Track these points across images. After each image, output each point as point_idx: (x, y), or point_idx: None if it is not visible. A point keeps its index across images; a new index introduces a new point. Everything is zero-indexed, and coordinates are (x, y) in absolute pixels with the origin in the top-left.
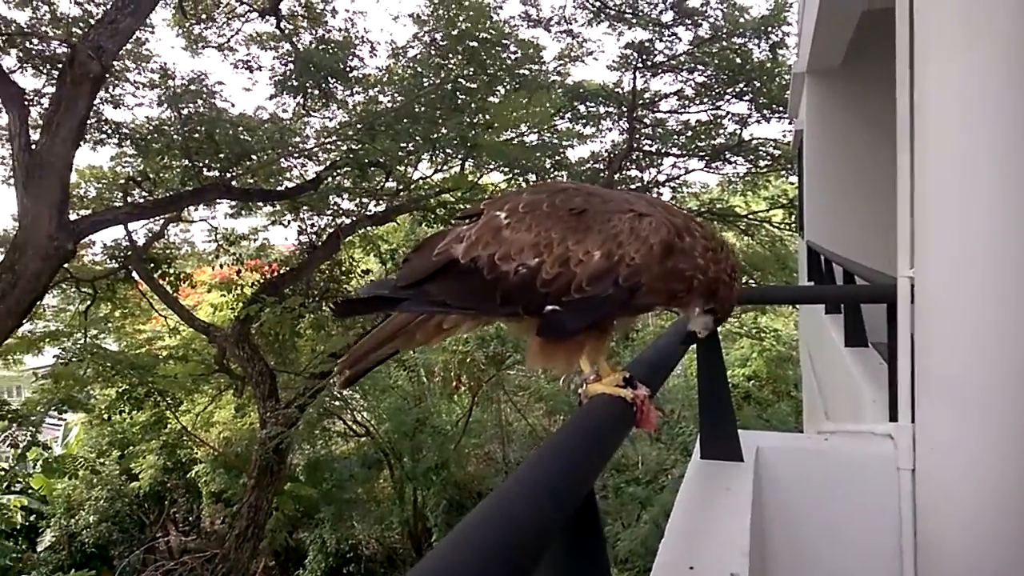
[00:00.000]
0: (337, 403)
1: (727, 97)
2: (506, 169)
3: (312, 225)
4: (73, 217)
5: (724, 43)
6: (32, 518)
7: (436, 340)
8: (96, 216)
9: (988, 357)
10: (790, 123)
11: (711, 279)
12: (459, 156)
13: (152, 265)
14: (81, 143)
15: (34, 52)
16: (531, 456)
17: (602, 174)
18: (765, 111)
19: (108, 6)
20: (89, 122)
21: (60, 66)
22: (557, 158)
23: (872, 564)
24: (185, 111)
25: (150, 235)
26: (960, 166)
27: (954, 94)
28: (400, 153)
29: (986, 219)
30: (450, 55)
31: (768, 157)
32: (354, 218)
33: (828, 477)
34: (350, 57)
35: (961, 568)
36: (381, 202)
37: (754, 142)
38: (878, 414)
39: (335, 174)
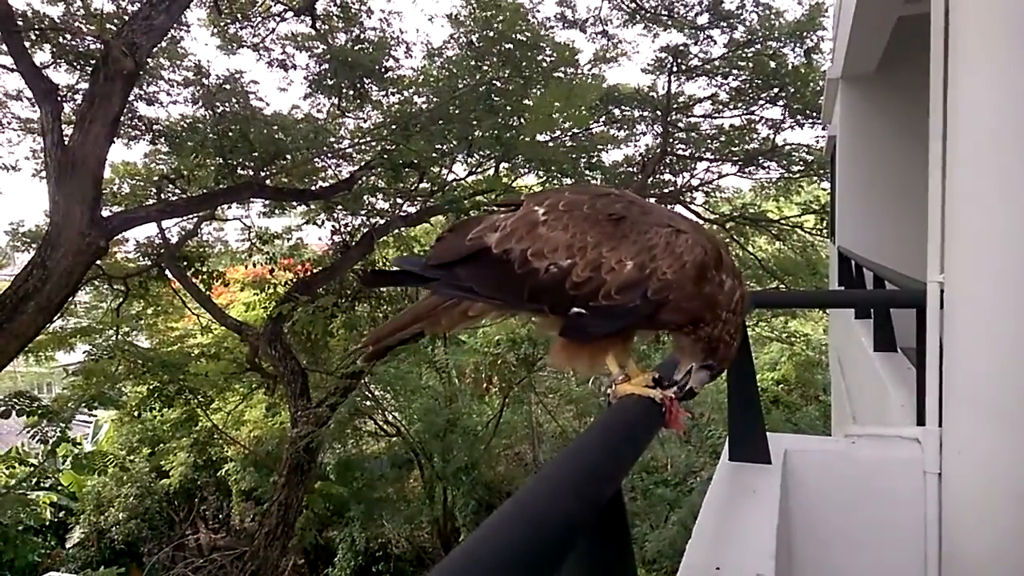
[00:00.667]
0: (368, 403)
1: (761, 102)
2: (541, 172)
3: (346, 225)
4: (106, 214)
5: (759, 47)
6: (61, 514)
7: (460, 327)
8: (129, 213)
9: (1016, 362)
10: (823, 129)
11: (717, 335)
12: (494, 158)
13: (185, 263)
14: (114, 140)
15: (67, 47)
16: (558, 455)
17: (636, 178)
18: (799, 116)
19: (143, 2)
20: (123, 119)
21: (94, 62)
22: (592, 160)
23: (897, 567)
24: (219, 109)
25: (183, 233)
26: (992, 172)
27: (988, 99)
28: (435, 154)
29: (1018, 225)
30: (486, 56)
31: (801, 163)
32: (388, 219)
33: (855, 480)
34: (385, 57)
35: (985, 573)
36: (415, 203)
37: (787, 147)
38: (906, 418)
39: (369, 174)
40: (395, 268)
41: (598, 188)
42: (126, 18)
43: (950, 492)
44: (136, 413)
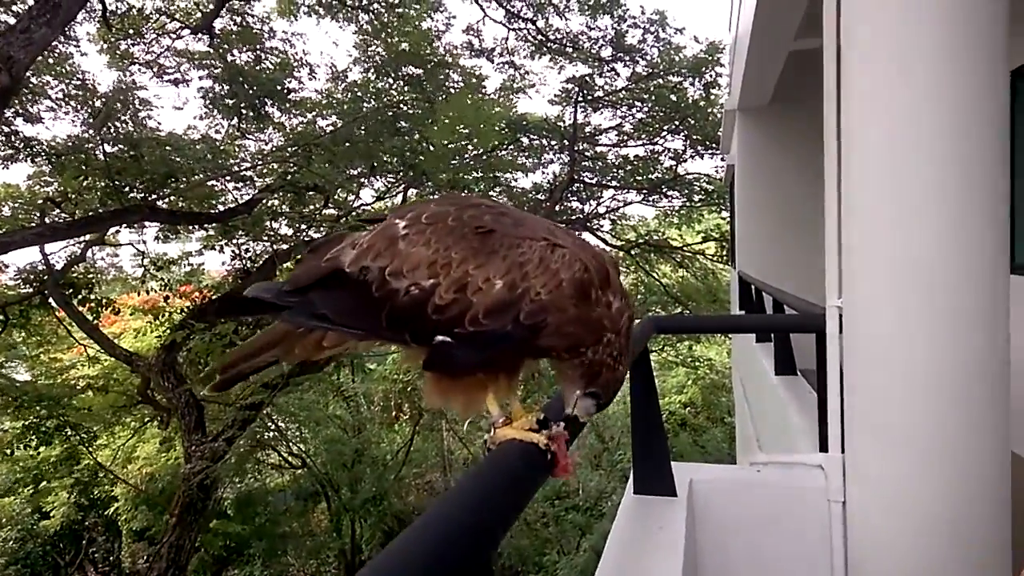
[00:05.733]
0: (271, 434)
1: (663, 133)
2: None
3: (247, 251)
4: None
5: (661, 80)
6: None
7: (317, 356)
8: (3, 237)
9: (914, 387)
10: (722, 159)
11: (598, 360)
12: (402, 184)
13: (71, 290)
14: None
15: None
16: (420, 517)
17: (544, 204)
18: (699, 147)
19: (21, 15)
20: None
21: None
22: (499, 185)
23: None
24: (107, 128)
25: (71, 258)
26: (885, 197)
27: (879, 126)
28: (340, 179)
29: (911, 249)
30: (391, 78)
31: (702, 192)
32: (292, 244)
33: (761, 510)
34: (288, 79)
35: None
36: (320, 229)
37: (689, 177)
38: (808, 444)
39: (271, 198)
40: (249, 296)
41: (468, 198)
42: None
43: (854, 520)
44: (7, 451)
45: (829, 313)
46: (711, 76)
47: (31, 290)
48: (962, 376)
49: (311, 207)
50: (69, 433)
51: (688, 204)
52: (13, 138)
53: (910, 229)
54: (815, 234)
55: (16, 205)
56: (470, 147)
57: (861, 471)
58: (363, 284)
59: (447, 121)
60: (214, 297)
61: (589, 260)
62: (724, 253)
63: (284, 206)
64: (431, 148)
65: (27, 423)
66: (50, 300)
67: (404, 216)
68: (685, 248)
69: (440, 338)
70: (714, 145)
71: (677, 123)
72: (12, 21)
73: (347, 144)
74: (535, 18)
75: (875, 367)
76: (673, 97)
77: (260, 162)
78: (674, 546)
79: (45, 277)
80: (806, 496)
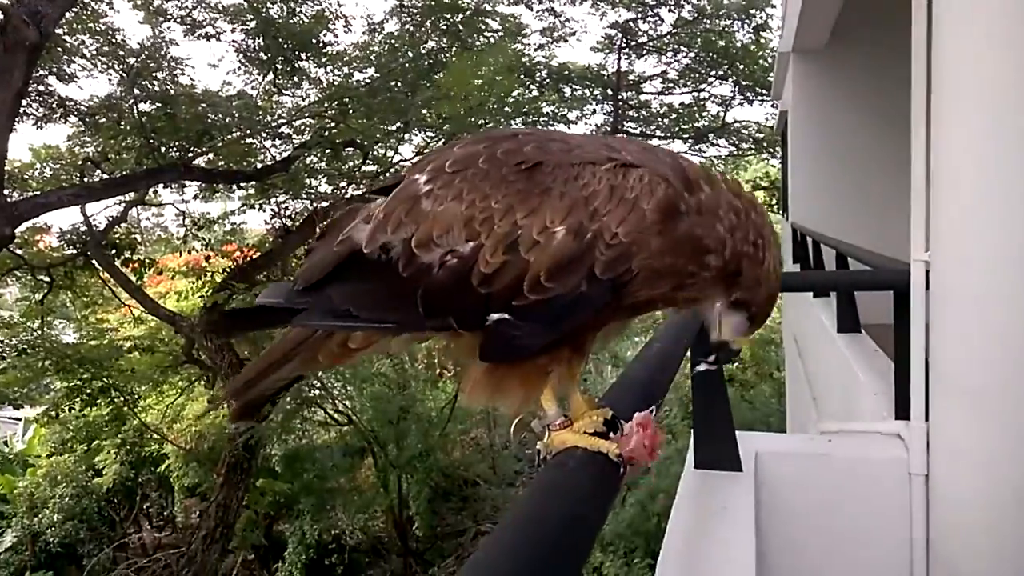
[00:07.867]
0: (317, 392)
1: (710, 79)
2: None
3: (286, 208)
4: (18, 198)
5: (708, 24)
6: None
7: (347, 361)
8: (38, 198)
9: (1011, 350)
10: (773, 105)
11: (733, 253)
12: (441, 139)
13: (114, 251)
14: (18, 118)
15: None
16: (469, 562)
17: None
18: (748, 93)
19: None
20: (35, 97)
21: None
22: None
23: None
24: (140, 84)
25: (112, 220)
26: (986, 139)
27: (982, 58)
28: (378, 134)
29: (1015, 195)
30: (427, 26)
31: (750, 139)
32: (331, 201)
33: (833, 484)
34: (323, 31)
35: None
36: (360, 186)
37: (736, 124)
38: (880, 408)
39: (307, 154)
40: (261, 305)
41: (500, 132)
42: None
43: (938, 496)
44: (53, 413)
45: (915, 268)
46: (762, 18)
47: (74, 251)
48: None
49: (350, 164)
50: (113, 395)
51: (736, 152)
52: (48, 98)
53: (1013, 174)
54: (879, 182)
55: (57, 166)
56: (508, 99)
57: (947, 442)
58: (387, 265)
59: (474, 71)
60: (210, 317)
61: (668, 171)
62: (774, 203)
63: (322, 163)
64: (468, 99)
65: (71, 385)
66: (93, 261)
67: (424, 169)
68: None
69: (495, 316)
70: (764, 91)
71: (725, 68)
72: None
73: (383, 98)
74: None
75: (967, 328)
76: (721, 41)
77: (296, 117)
78: (742, 527)
79: (87, 238)
80: (884, 468)
